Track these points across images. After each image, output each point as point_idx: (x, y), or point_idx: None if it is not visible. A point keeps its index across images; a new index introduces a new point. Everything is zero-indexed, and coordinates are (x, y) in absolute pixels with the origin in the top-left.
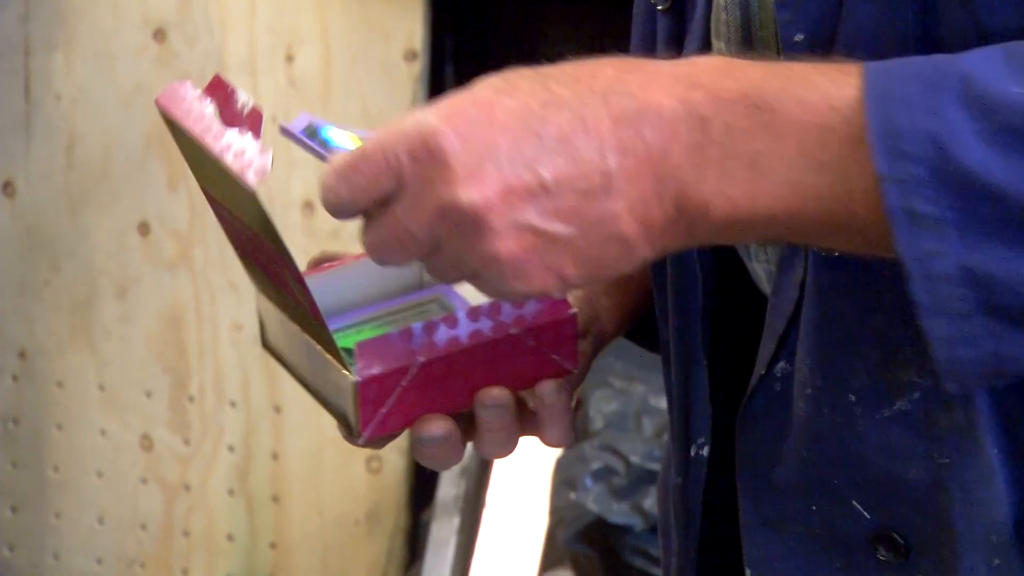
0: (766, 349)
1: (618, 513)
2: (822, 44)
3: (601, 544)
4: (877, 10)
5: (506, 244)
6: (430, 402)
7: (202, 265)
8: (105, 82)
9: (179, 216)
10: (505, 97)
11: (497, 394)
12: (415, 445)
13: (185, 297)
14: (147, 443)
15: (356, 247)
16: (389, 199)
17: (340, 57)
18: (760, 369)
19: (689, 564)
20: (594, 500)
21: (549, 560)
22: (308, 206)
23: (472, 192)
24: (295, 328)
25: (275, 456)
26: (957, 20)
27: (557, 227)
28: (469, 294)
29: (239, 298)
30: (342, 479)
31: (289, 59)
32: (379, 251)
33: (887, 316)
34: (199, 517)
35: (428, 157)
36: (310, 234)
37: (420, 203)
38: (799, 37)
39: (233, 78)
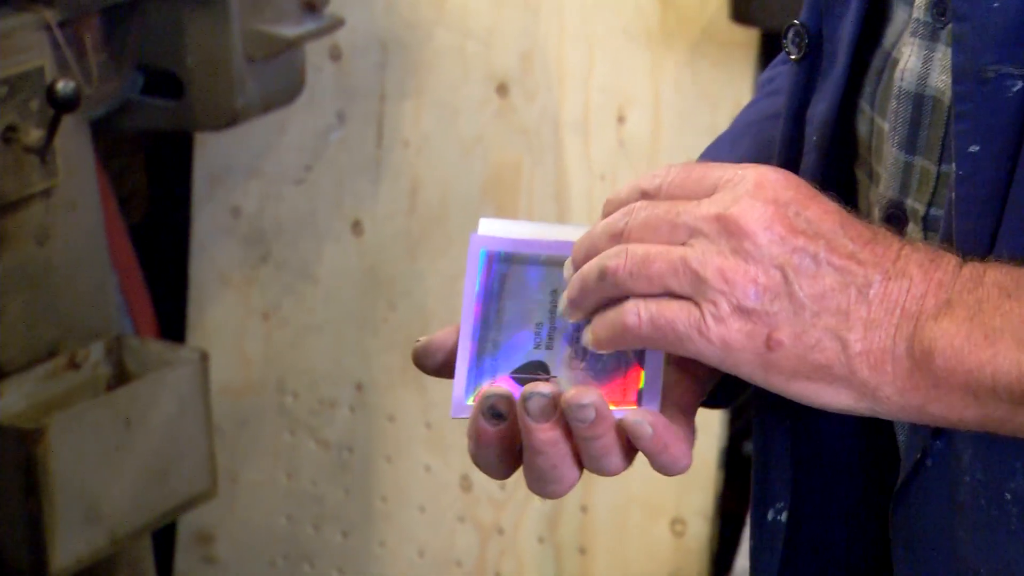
0: (917, 435)
1: None
2: (1000, 158)
3: None
4: None
5: (754, 270)
6: None
7: None
8: (448, 131)
9: None
10: (834, 201)
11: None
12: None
13: None
14: (466, 483)
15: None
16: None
17: (669, 121)
18: (913, 454)
19: None
20: None
21: None
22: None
23: (761, 216)
24: None
25: (584, 509)
26: None
27: (803, 287)
28: None
29: None
30: (646, 538)
31: (620, 120)
32: (639, 214)
33: None
34: (510, 561)
35: (747, 176)
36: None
37: (710, 202)
38: (974, 148)
39: (566, 135)
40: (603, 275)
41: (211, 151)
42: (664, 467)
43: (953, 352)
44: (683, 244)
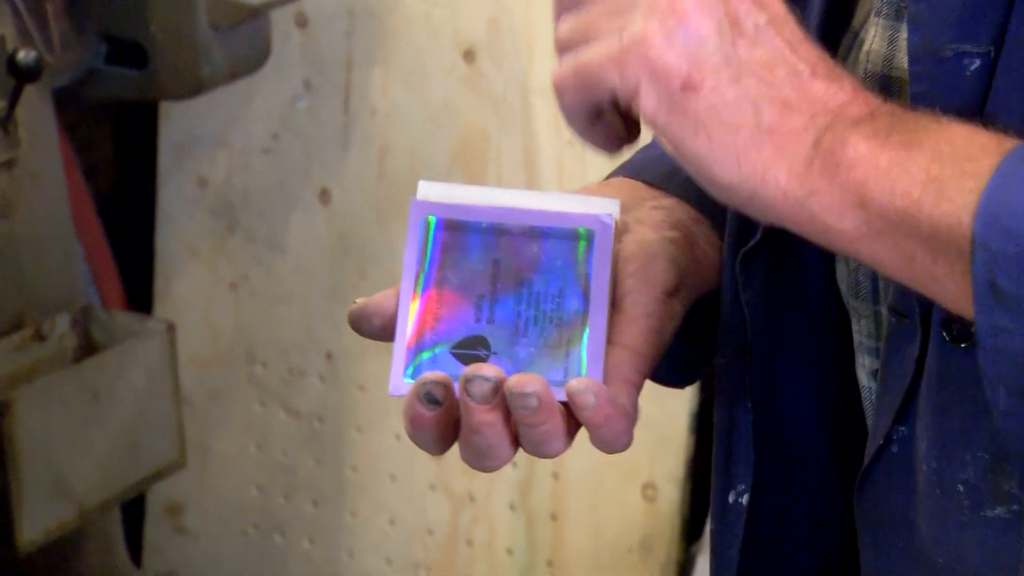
0: (881, 421)
1: None
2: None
3: None
4: None
5: (696, 7)
6: None
7: None
8: (416, 99)
9: None
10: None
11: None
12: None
13: None
14: None
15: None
16: None
17: None
18: (877, 440)
19: None
20: None
21: None
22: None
23: None
24: None
25: (555, 475)
26: None
27: (740, 47)
28: None
29: None
30: (618, 504)
31: None
32: None
33: None
34: (482, 528)
35: None
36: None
37: None
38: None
39: (535, 101)
40: (559, 47)
41: (177, 121)
42: (604, 441)
43: (867, 147)
44: None
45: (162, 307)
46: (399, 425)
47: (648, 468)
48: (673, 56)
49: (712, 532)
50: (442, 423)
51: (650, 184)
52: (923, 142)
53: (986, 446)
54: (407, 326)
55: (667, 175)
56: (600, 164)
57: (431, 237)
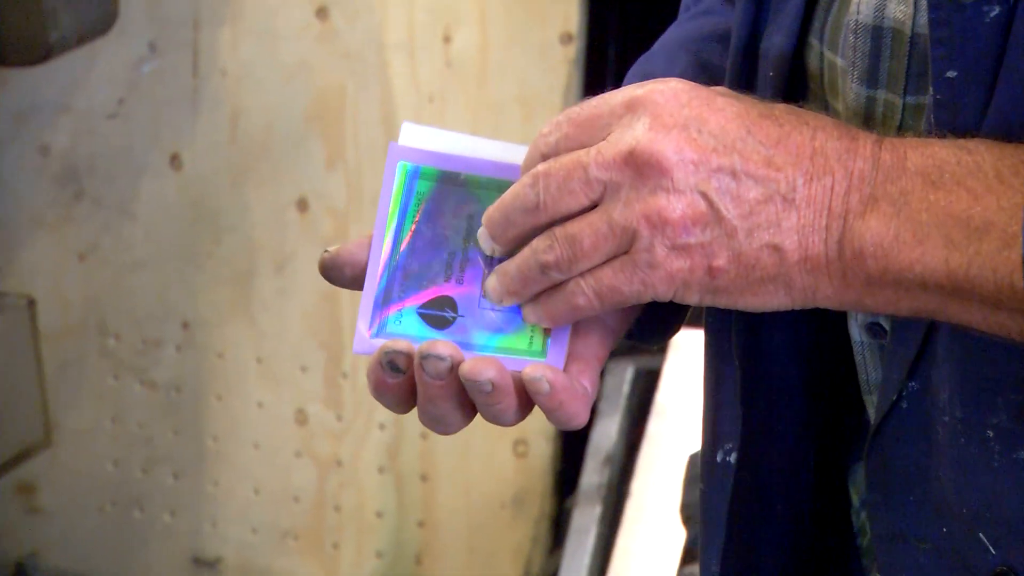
0: (892, 377)
1: None
2: (979, 83)
3: None
4: None
5: (678, 205)
6: None
7: None
8: (268, 59)
9: (336, 194)
10: (730, 98)
11: (473, 368)
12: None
13: None
14: (301, 417)
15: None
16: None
17: (497, 39)
18: (889, 397)
19: None
20: None
21: (689, 555)
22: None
23: (668, 145)
24: None
25: (424, 435)
26: None
27: (730, 208)
28: None
29: None
30: (489, 461)
31: (446, 39)
32: (549, 180)
33: None
34: (350, 493)
35: (636, 104)
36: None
37: (613, 145)
38: (952, 74)
39: (391, 57)
40: (545, 269)
41: (14, 88)
42: (559, 422)
43: (883, 253)
44: (601, 197)
45: (7, 280)
46: (261, 392)
47: (519, 424)
48: (690, 261)
49: (702, 492)
50: (405, 387)
51: None
52: (930, 226)
53: (1015, 386)
54: (376, 280)
55: None
56: (460, 121)
57: (405, 185)
